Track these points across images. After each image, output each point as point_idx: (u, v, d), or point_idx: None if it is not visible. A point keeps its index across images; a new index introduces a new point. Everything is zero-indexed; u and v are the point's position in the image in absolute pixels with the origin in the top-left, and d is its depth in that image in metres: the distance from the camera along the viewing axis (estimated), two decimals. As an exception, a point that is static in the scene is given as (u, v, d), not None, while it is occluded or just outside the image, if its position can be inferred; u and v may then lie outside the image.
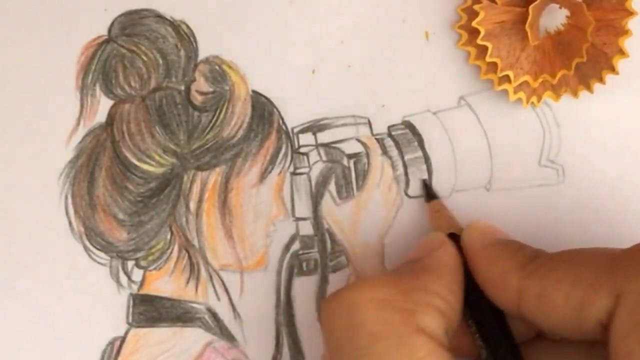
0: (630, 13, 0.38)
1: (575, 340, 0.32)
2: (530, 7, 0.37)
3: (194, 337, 0.40)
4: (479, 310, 0.34)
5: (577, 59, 0.38)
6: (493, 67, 0.39)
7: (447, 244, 0.35)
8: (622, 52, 0.38)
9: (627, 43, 0.38)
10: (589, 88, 0.39)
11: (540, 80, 0.38)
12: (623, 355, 0.29)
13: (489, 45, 0.38)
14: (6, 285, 0.40)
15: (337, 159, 0.40)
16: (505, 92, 0.39)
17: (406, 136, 0.40)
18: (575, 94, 0.39)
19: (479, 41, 0.38)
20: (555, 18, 0.39)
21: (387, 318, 0.30)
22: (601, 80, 0.38)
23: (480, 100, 0.40)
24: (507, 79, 0.39)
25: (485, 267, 0.34)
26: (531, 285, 0.32)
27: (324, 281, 0.40)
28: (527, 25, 0.37)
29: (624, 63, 0.38)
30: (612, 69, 0.38)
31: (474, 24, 0.38)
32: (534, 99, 0.39)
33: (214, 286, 0.40)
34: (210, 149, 0.40)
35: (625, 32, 0.38)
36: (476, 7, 0.38)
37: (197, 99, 0.40)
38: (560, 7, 0.39)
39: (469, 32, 0.39)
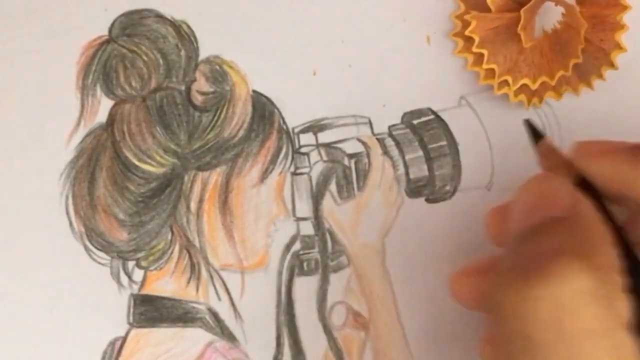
0: (625, 7, 0.38)
1: None
2: (522, 11, 0.37)
3: (194, 337, 0.40)
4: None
5: (574, 60, 0.38)
6: (491, 72, 0.39)
7: (582, 198, 0.31)
8: (619, 47, 0.38)
9: (624, 37, 0.38)
10: (589, 85, 0.39)
11: (539, 81, 0.38)
12: None
13: (485, 52, 0.38)
14: (7, 286, 0.40)
15: (338, 159, 0.40)
16: (506, 95, 0.39)
17: (407, 136, 0.40)
18: (576, 91, 0.39)
19: (474, 49, 0.38)
20: (552, 16, 0.39)
21: (597, 312, 0.28)
22: (600, 76, 0.38)
23: (481, 100, 0.40)
24: (506, 83, 0.39)
25: (634, 185, 0.31)
26: None
27: (324, 281, 0.40)
28: (519, 29, 0.37)
29: (622, 57, 0.38)
30: (611, 65, 0.38)
31: (467, 32, 0.38)
32: (535, 100, 0.39)
33: (214, 286, 0.40)
34: (211, 149, 0.40)
35: (621, 27, 0.38)
36: (467, 17, 0.38)
37: (198, 99, 0.40)
38: (556, 5, 0.39)
39: (464, 39, 0.39)
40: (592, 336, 0.28)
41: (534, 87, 0.38)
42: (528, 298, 0.28)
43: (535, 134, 0.34)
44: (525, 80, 0.38)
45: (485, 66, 0.39)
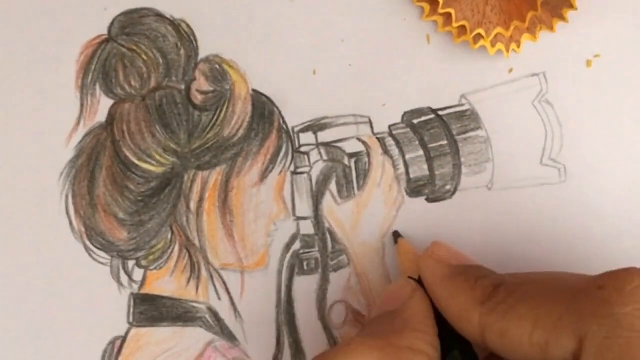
0: None
1: None
2: None
3: (194, 337, 0.40)
4: (448, 341, 0.34)
5: None
6: (463, 29, 0.39)
7: (418, 291, 0.35)
8: None
9: None
10: (562, 18, 0.39)
11: (512, 27, 0.38)
12: None
13: (452, 11, 0.38)
14: (7, 285, 0.40)
15: (338, 158, 0.40)
16: (485, 49, 0.39)
17: (407, 135, 0.40)
18: (551, 28, 0.39)
19: (441, 10, 0.38)
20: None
21: None
22: (571, 6, 0.38)
23: (482, 98, 0.40)
24: (480, 36, 0.39)
25: (446, 302, 0.33)
26: (493, 323, 0.31)
27: (324, 280, 0.40)
28: None
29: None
30: None
31: None
32: (513, 45, 0.39)
33: (214, 286, 0.40)
34: (210, 148, 0.40)
35: None
36: None
37: (198, 98, 0.40)
38: None
39: (430, 3, 0.39)
40: None
41: (508, 34, 0.38)
42: None
43: (396, 235, 0.39)
44: (499, 29, 0.39)
45: (455, 25, 0.39)
